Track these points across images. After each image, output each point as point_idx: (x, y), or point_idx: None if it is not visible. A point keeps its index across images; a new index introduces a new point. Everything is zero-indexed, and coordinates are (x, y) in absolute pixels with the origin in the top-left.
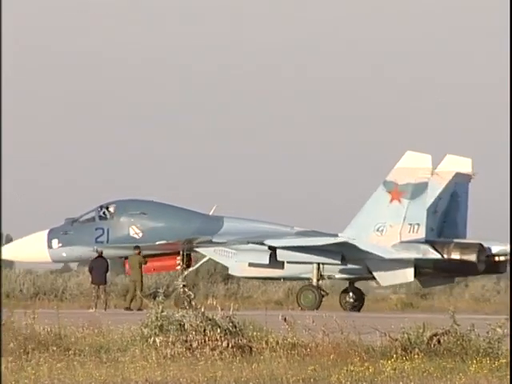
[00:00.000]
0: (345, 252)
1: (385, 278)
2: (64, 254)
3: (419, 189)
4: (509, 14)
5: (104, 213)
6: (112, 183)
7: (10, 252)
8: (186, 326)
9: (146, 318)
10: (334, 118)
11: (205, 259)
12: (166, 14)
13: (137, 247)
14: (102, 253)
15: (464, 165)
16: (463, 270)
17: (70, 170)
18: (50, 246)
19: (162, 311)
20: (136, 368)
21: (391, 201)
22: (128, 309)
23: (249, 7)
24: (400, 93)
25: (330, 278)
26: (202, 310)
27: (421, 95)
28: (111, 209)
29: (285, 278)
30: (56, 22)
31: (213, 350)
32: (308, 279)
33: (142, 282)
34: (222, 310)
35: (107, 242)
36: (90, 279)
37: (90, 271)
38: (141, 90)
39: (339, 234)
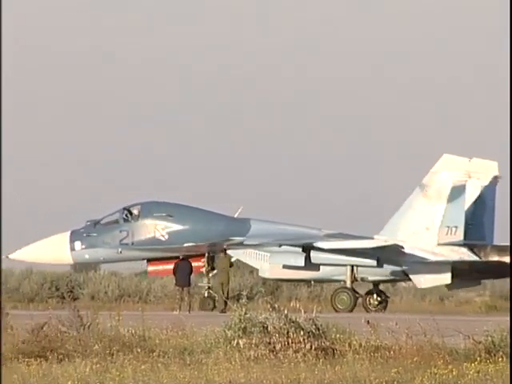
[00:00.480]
0: (383, 254)
1: (422, 280)
2: (87, 256)
3: (456, 192)
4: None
5: (128, 215)
6: (111, 183)
7: (29, 254)
8: (269, 329)
9: (230, 321)
10: (335, 118)
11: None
12: (166, 14)
13: (224, 250)
14: (185, 255)
15: (491, 168)
16: (498, 272)
17: (69, 170)
18: (72, 248)
19: (246, 313)
20: (219, 370)
21: (427, 203)
22: (223, 311)
23: (249, 7)
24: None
25: (363, 280)
26: (286, 312)
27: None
28: (136, 211)
29: (315, 281)
30: (56, 21)
31: (296, 352)
32: (339, 281)
33: (228, 284)
34: (305, 312)
35: (132, 244)
36: (174, 281)
37: (174, 273)
38: (140, 89)
39: (375, 236)
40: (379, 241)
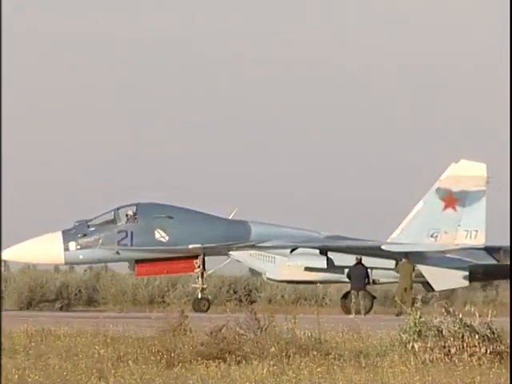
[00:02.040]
0: (401, 256)
1: (439, 282)
2: (81, 257)
3: (475, 196)
4: None
5: (125, 215)
6: (97, 183)
7: (19, 254)
8: (444, 332)
9: (405, 324)
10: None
11: (226, 262)
12: (167, 14)
13: (406, 255)
14: (361, 260)
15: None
16: (506, 274)
17: (65, 170)
18: (66, 249)
19: (421, 317)
20: (395, 373)
21: (445, 208)
22: (399, 314)
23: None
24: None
25: (374, 282)
26: (460, 316)
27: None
28: (133, 211)
29: (321, 282)
30: (56, 22)
31: (471, 356)
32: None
33: (411, 289)
34: (479, 316)
35: (131, 244)
36: (350, 285)
37: (349, 277)
38: (138, 91)
39: (389, 238)
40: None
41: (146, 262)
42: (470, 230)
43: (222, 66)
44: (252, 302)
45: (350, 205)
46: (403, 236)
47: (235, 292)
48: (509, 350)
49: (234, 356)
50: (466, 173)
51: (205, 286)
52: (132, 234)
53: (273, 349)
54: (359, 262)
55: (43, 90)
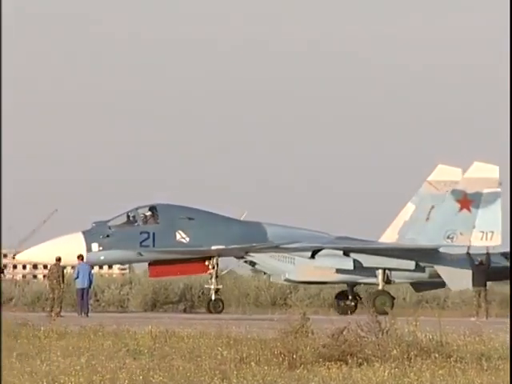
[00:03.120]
0: (421, 257)
1: (455, 282)
2: (102, 258)
3: (490, 198)
4: None
5: (147, 216)
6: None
7: (38, 254)
8: None
9: None
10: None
11: (239, 264)
12: (168, 14)
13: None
14: (483, 260)
15: (454, 174)
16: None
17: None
18: (89, 250)
19: None
20: None
21: (460, 209)
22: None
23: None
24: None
25: (390, 282)
26: None
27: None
28: (154, 212)
29: (345, 283)
30: (57, 25)
31: None
32: (369, 284)
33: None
34: None
35: (153, 246)
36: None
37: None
38: (133, 95)
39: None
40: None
41: (159, 263)
42: (486, 232)
43: (225, 66)
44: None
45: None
46: (421, 237)
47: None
48: None
49: (355, 358)
50: (480, 175)
51: (219, 287)
52: (154, 235)
53: (394, 351)
54: (481, 263)
55: (44, 90)
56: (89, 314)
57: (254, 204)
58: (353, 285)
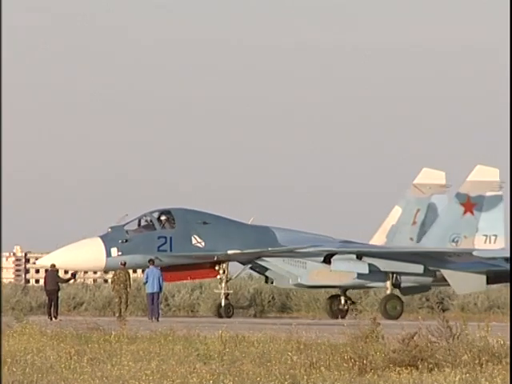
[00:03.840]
0: (428, 261)
1: (461, 286)
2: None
3: (492, 201)
4: None
5: (163, 221)
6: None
7: (59, 259)
8: None
9: None
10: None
11: (246, 268)
12: (169, 14)
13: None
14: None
15: (438, 177)
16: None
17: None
18: (108, 254)
19: None
20: None
21: (464, 212)
22: None
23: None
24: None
25: (396, 286)
26: None
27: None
28: (170, 217)
29: (352, 287)
30: (59, 27)
31: None
32: (372, 288)
33: None
34: None
35: (170, 250)
36: None
37: None
38: (135, 93)
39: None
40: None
41: (170, 268)
42: (489, 235)
43: (227, 69)
44: (444, 310)
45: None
46: (428, 241)
47: (427, 300)
48: None
49: (426, 363)
50: (482, 178)
51: (229, 292)
52: (171, 239)
53: (465, 356)
54: None
55: (46, 91)
56: (159, 319)
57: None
58: (346, 289)
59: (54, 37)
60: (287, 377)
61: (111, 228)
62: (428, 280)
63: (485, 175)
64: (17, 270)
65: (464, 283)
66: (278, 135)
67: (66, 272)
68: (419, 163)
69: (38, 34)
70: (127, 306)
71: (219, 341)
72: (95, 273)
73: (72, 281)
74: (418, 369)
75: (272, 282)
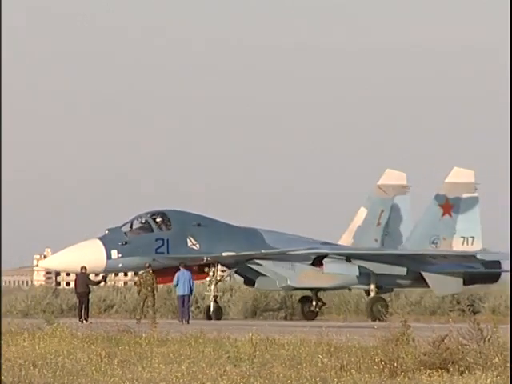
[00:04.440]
0: (410, 263)
1: (440, 288)
2: (120, 265)
3: (468, 203)
4: None
5: (159, 222)
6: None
7: (59, 262)
8: None
9: None
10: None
11: (231, 271)
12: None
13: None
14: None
15: (400, 178)
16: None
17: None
18: (109, 257)
19: None
20: None
21: (443, 214)
22: None
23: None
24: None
25: (379, 287)
26: None
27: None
28: (166, 219)
29: (332, 289)
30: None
31: None
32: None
33: None
34: None
35: (167, 252)
36: None
37: None
38: (132, 93)
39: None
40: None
41: (159, 269)
42: (467, 237)
43: (228, 70)
44: (475, 313)
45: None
46: (409, 243)
47: (458, 302)
48: None
49: (456, 366)
50: (458, 179)
51: (218, 294)
52: (168, 241)
53: (496, 359)
54: None
55: (45, 91)
56: (189, 321)
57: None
58: (318, 291)
59: (54, 37)
60: (317, 379)
61: (108, 230)
62: (407, 282)
63: (461, 177)
64: (47, 273)
65: (443, 285)
66: (278, 135)
67: (68, 274)
68: (383, 164)
69: (38, 34)
70: (155, 308)
71: (249, 343)
72: (126, 275)
73: (102, 283)
74: (448, 371)
75: (253, 284)
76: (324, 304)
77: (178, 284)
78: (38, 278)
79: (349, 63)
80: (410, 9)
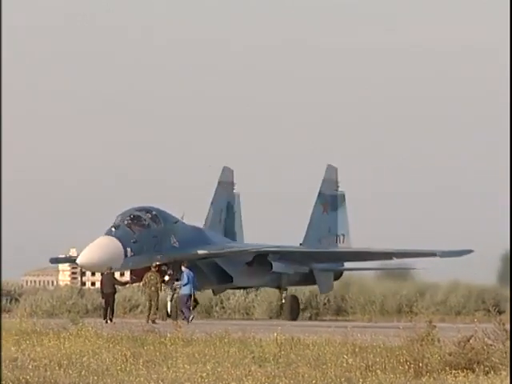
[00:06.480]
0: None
1: (325, 286)
2: (130, 264)
3: (337, 200)
4: None
5: (154, 219)
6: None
7: (87, 259)
8: None
9: None
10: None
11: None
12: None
13: None
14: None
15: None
16: None
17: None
18: (126, 255)
19: None
20: None
21: (323, 212)
22: None
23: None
24: None
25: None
26: None
27: None
28: (157, 216)
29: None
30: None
31: None
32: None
33: None
34: None
35: (161, 250)
36: None
37: None
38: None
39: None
40: None
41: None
42: (339, 235)
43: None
44: (500, 313)
45: None
46: (309, 242)
47: (483, 302)
48: None
49: (482, 366)
50: (330, 176)
51: (174, 293)
52: (161, 239)
53: None
54: None
55: (45, 91)
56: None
57: None
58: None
59: (54, 37)
60: (343, 379)
61: (115, 227)
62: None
63: (331, 174)
64: (73, 273)
65: (327, 283)
66: (278, 135)
67: (93, 274)
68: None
69: (38, 33)
70: (158, 309)
71: (274, 343)
72: None
73: (128, 284)
74: (474, 372)
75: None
76: (197, 303)
77: (187, 283)
78: (64, 279)
79: (349, 63)
80: (409, 9)
